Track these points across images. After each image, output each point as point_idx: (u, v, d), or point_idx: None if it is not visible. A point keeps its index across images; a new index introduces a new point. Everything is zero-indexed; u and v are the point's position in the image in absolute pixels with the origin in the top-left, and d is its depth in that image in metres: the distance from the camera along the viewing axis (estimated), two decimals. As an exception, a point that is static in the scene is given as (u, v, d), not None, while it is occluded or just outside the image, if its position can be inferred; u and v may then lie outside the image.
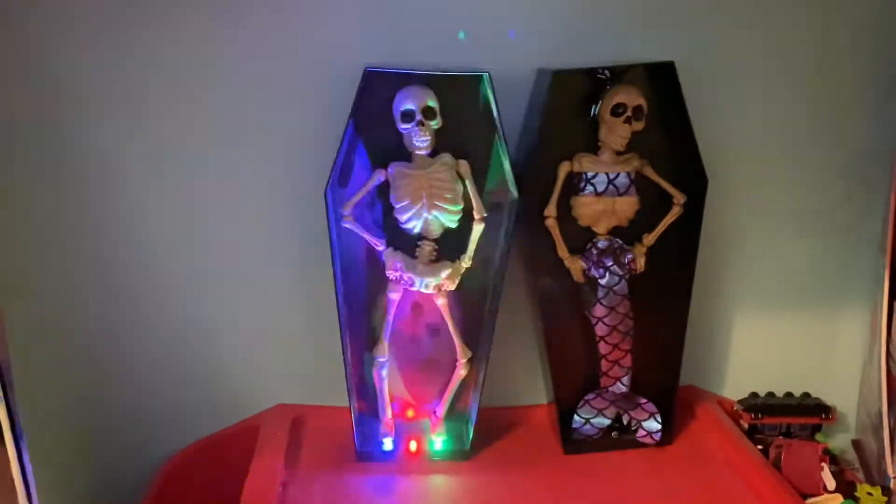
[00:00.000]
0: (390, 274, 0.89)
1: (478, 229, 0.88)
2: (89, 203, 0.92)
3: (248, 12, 0.89)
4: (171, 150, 0.93)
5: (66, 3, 0.86)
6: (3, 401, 0.67)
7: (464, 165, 0.87)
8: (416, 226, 0.87)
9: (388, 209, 0.88)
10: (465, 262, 0.89)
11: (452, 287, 0.89)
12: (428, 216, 0.87)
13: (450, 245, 0.89)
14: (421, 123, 0.84)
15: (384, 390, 0.92)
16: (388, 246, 0.88)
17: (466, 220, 0.88)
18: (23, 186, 0.91)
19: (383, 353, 0.91)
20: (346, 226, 0.86)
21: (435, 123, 0.85)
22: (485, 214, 0.88)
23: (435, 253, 0.89)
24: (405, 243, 0.89)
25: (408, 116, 0.84)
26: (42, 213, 0.92)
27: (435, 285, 0.88)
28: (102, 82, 0.89)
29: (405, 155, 0.87)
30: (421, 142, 0.85)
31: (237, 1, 0.89)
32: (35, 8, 0.86)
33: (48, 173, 0.91)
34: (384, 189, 0.88)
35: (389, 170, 0.86)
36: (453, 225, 0.88)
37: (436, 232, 0.88)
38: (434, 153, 0.87)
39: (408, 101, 0.84)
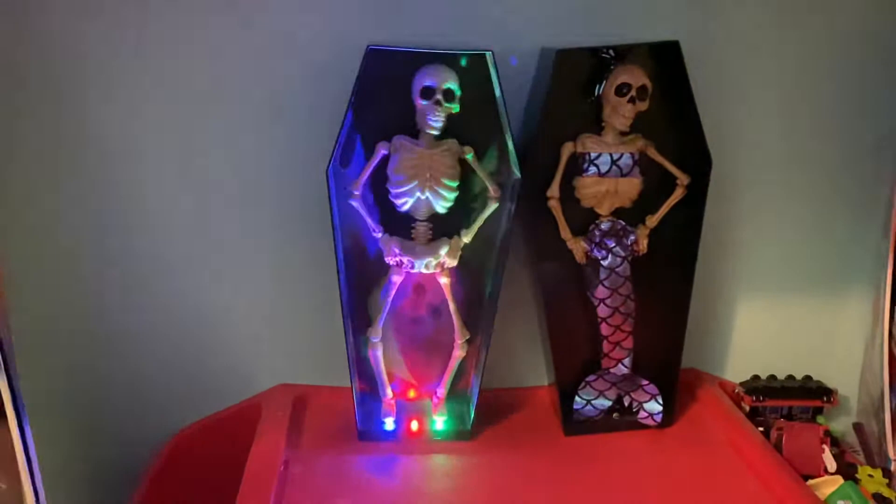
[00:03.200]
0: (389, 259, 0.88)
1: (491, 207, 0.88)
2: (90, 186, 0.92)
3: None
4: (170, 132, 0.92)
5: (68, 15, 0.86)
6: (5, 380, 0.67)
7: (469, 152, 0.86)
8: (406, 203, 0.87)
9: (384, 194, 0.88)
10: (466, 238, 0.89)
11: (454, 263, 0.89)
12: (421, 196, 0.86)
13: (447, 223, 0.89)
14: (438, 103, 0.83)
15: (381, 370, 0.92)
16: (384, 231, 0.88)
17: (457, 203, 0.88)
18: (25, 172, 0.90)
19: (376, 333, 0.90)
20: (353, 203, 0.86)
21: (452, 107, 0.84)
22: (499, 193, 0.87)
23: (431, 232, 0.89)
24: (401, 226, 0.89)
25: (427, 93, 0.84)
26: (44, 197, 0.92)
27: (436, 264, 0.88)
28: (96, 62, 0.88)
29: (408, 134, 0.86)
30: (434, 121, 0.84)
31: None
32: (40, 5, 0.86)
33: (50, 161, 0.91)
34: (381, 171, 0.87)
35: (393, 140, 0.86)
36: (442, 211, 0.87)
37: (424, 214, 0.88)
38: (440, 136, 0.86)
39: (430, 78, 0.83)
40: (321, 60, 0.90)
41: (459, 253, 0.89)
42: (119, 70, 0.89)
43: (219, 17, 0.89)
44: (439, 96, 0.83)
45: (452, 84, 0.84)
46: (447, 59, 0.85)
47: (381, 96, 0.85)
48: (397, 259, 0.88)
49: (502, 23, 0.92)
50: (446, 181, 0.86)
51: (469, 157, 0.86)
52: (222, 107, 0.92)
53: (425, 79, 0.83)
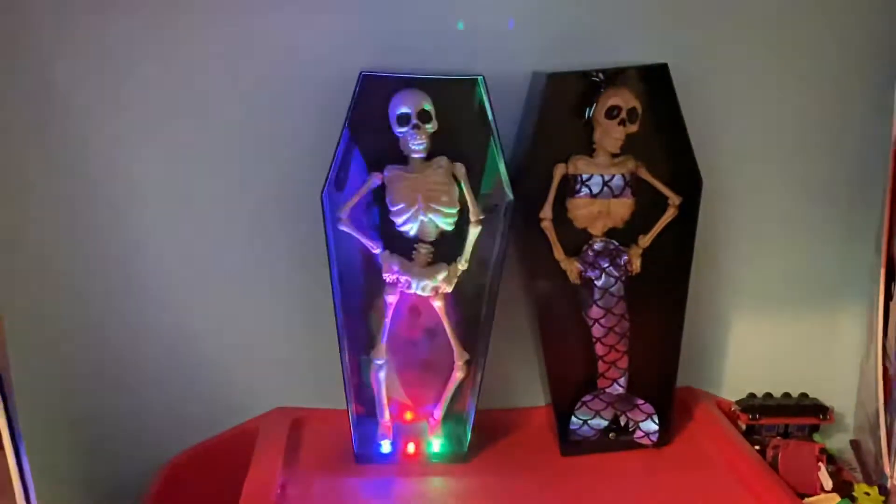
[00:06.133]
0: (387, 276, 0.89)
1: (474, 232, 0.89)
2: (88, 208, 0.93)
3: (242, 16, 0.90)
4: (169, 155, 0.93)
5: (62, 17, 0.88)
6: (1, 405, 0.67)
7: (459, 168, 0.87)
8: (412, 228, 0.88)
9: (385, 212, 0.88)
10: (462, 265, 0.89)
11: (449, 289, 0.90)
12: (423, 219, 0.87)
13: (447, 248, 0.90)
14: (416, 127, 0.85)
15: (382, 393, 0.92)
16: (384, 249, 0.89)
17: (463, 222, 0.89)
18: (22, 189, 0.91)
19: (381, 355, 0.91)
20: (343, 228, 0.87)
21: (430, 127, 0.86)
22: (481, 217, 0.88)
23: (431, 255, 0.89)
24: (402, 246, 0.89)
25: (403, 120, 0.85)
26: (42, 217, 0.93)
27: (432, 287, 0.89)
28: (95, 87, 0.90)
29: (401, 158, 0.88)
30: (417, 145, 0.85)
31: (232, 5, 0.89)
32: (34, 26, 0.87)
33: (47, 177, 0.91)
34: (381, 193, 0.88)
35: (385, 173, 0.87)
36: (449, 228, 0.88)
37: (432, 234, 0.89)
38: (430, 156, 0.87)
39: (403, 105, 0.85)
40: (315, 85, 0.91)
41: (456, 280, 0.90)
42: (114, 90, 0.90)
43: (214, 41, 0.90)
44: (416, 120, 0.84)
45: (426, 105, 0.85)
46: (439, 85, 0.86)
47: (374, 120, 0.86)
48: (395, 277, 0.89)
49: (494, 47, 0.93)
50: (442, 198, 0.87)
51: (461, 171, 0.87)
52: (217, 131, 0.93)
53: (399, 106, 0.85)
